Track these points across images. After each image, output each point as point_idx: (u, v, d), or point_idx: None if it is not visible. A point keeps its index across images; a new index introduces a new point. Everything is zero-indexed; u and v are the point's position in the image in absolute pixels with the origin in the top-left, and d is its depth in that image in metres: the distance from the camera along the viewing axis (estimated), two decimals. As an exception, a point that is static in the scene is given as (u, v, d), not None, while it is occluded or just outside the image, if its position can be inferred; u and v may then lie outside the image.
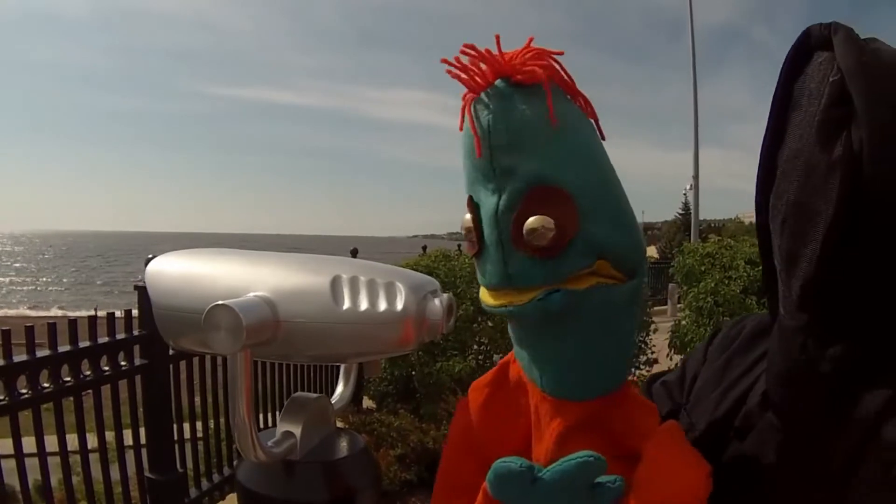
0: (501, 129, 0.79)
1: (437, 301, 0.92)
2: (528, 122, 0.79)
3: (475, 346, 6.49)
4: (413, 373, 6.16)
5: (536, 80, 0.79)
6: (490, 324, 6.39)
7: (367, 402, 7.00)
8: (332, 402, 1.10)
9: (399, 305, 0.89)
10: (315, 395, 1.05)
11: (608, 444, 0.87)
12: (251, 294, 0.89)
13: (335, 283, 0.90)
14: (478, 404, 1.02)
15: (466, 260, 7.24)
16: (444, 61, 0.82)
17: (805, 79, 0.85)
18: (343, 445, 1.02)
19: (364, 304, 0.89)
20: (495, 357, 6.53)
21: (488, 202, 0.83)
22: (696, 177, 26.43)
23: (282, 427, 0.98)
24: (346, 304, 0.89)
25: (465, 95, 0.83)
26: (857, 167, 0.76)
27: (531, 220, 0.79)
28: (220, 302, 0.83)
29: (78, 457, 3.52)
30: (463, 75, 0.81)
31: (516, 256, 0.82)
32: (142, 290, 3.86)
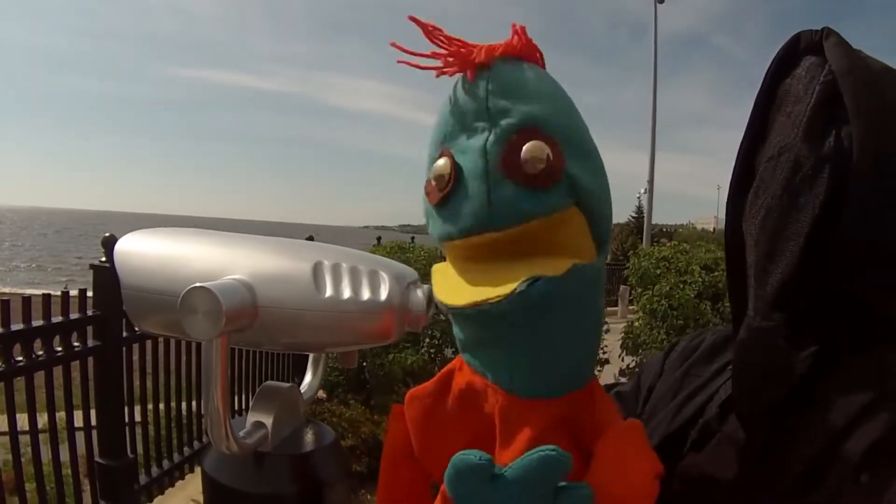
0: (499, 78, 0.78)
1: (419, 292, 0.90)
2: (523, 76, 0.79)
3: (427, 339, 6.48)
4: (364, 363, 6.13)
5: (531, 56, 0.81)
6: (443, 317, 6.38)
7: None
8: (302, 391, 1.07)
9: (383, 295, 0.86)
10: (286, 384, 1.01)
11: (577, 445, 0.84)
12: (229, 277, 0.86)
13: (317, 270, 0.87)
14: (420, 414, 0.95)
15: (421, 252, 7.23)
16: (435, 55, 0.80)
17: (791, 81, 0.87)
18: (314, 437, 0.99)
19: (347, 293, 0.86)
20: (447, 350, 6.55)
21: (475, 140, 0.78)
22: (650, 181, 26.73)
23: (252, 417, 0.95)
24: (328, 292, 0.85)
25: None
26: (846, 163, 0.78)
27: (530, 145, 0.75)
28: (198, 284, 0.79)
29: (27, 437, 3.44)
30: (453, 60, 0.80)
31: (504, 185, 0.76)
32: (98, 270, 3.78)
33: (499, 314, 0.76)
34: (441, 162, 0.80)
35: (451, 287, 0.83)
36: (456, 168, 0.79)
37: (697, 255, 7.11)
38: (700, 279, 6.59)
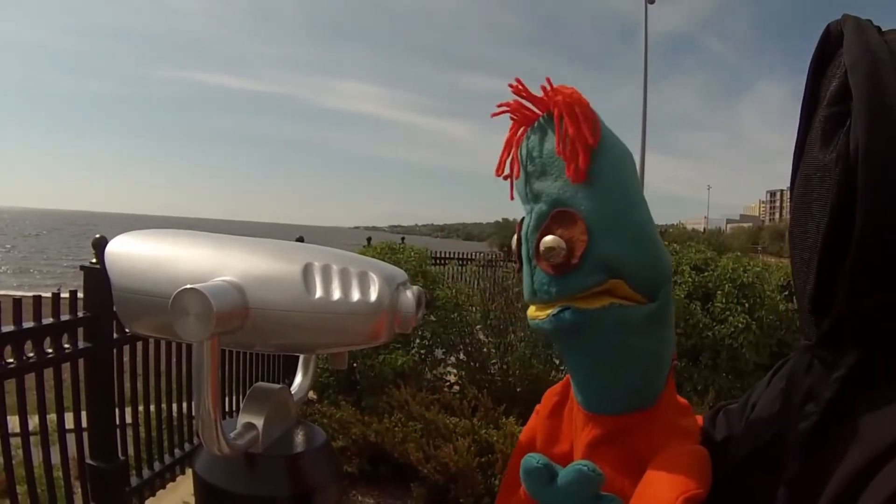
0: (536, 156, 0.87)
1: (409, 293, 0.90)
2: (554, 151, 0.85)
3: (418, 341, 6.48)
4: (355, 365, 6.12)
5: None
6: (433, 318, 6.39)
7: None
8: (292, 392, 1.07)
9: (373, 296, 0.87)
10: (277, 385, 1.01)
11: (633, 461, 0.90)
12: (219, 279, 0.86)
13: (307, 271, 0.87)
14: (545, 409, 1.08)
15: (412, 253, 7.23)
16: (503, 104, 0.90)
17: (825, 80, 0.79)
18: (305, 438, 0.99)
19: (337, 294, 0.86)
20: (437, 352, 6.55)
21: (525, 223, 0.90)
22: (641, 182, 26.78)
23: (243, 418, 0.95)
24: (319, 293, 0.86)
25: (513, 129, 0.91)
26: (853, 167, 0.70)
27: (545, 239, 0.84)
28: (189, 286, 0.79)
29: (18, 440, 3.42)
30: (514, 115, 0.90)
31: (538, 272, 0.87)
32: (88, 271, 3.76)
33: (541, 330, 0.89)
34: (514, 238, 0.94)
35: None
36: (520, 247, 0.92)
37: (687, 256, 7.10)
38: (690, 280, 6.59)
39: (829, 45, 0.79)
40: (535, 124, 0.88)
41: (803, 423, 0.77)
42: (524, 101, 0.88)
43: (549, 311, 0.87)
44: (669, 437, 0.91)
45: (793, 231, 0.82)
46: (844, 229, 0.70)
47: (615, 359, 0.91)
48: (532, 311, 0.91)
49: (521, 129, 0.90)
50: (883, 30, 0.76)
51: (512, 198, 0.95)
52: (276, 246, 0.93)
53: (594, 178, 0.84)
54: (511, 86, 0.88)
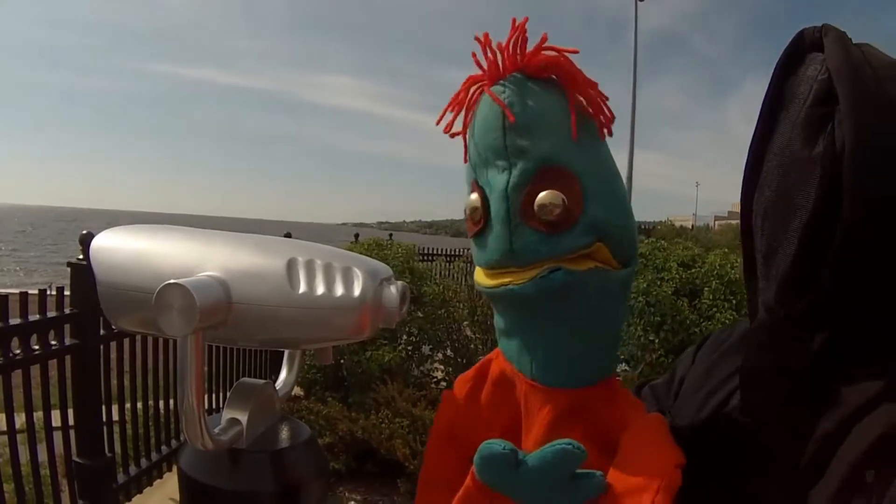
0: (518, 111, 0.83)
1: (392, 288, 0.90)
2: (543, 108, 0.83)
3: (405, 337, 6.48)
4: (342, 361, 6.12)
5: (549, 75, 0.85)
6: (420, 314, 6.40)
7: (295, 390, 6.91)
8: (277, 388, 1.07)
9: (356, 291, 0.87)
10: (261, 381, 1.01)
11: (596, 435, 0.89)
12: (203, 274, 0.86)
13: (291, 266, 0.87)
14: (462, 395, 1.05)
15: (399, 249, 7.23)
16: (478, 39, 0.86)
17: (796, 80, 0.86)
18: (289, 434, 0.99)
19: (320, 289, 0.86)
20: (424, 348, 6.56)
21: (498, 180, 0.85)
22: (629, 178, 26.77)
23: (227, 414, 0.95)
24: (302, 288, 0.86)
25: (469, 84, 0.89)
26: (838, 164, 0.78)
27: (543, 195, 0.81)
28: (172, 280, 0.79)
29: (4, 437, 3.41)
30: (483, 63, 0.86)
31: (523, 231, 0.83)
32: (75, 268, 3.75)
33: (522, 296, 0.85)
34: (472, 197, 0.89)
35: (487, 273, 0.91)
36: (485, 205, 0.87)
37: (675, 252, 7.11)
38: (677, 276, 6.60)
39: (802, 49, 0.88)
40: (509, 79, 0.84)
41: (773, 392, 0.87)
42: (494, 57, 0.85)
43: (531, 274, 0.84)
44: (630, 406, 0.93)
45: (766, 215, 0.89)
46: (827, 218, 0.80)
47: (591, 324, 0.90)
48: (494, 276, 0.89)
49: (478, 87, 0.88)
50: (854, 42, 0.85)
51: (466, 160, 0.92)
52: (259, 241, 0.93)
53: (589, 140, 0.85)
54: (479, 39, 0.86)
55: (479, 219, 0.88)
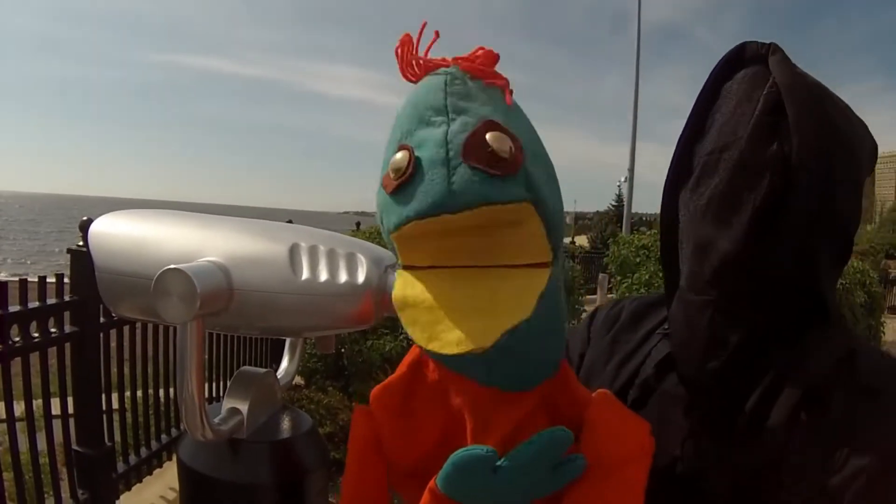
0: (458, 81, 0.79)
1: (397, 275, 0.88)
2: (481, 86, 0.81)
3: (406, 326, 6.47)
4: (343, 350, 6.11)
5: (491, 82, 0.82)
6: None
7: (295, 379, 6.91)
8: (278, 377, 1.05)
9: (360, 278, 0.85)
10: (262, 370, 0.99)
11: (560, 419, 0.85)
12: (204, 259, 0.84)
13: (294, 252, 0.85)
14: (387, 411, 0.94)
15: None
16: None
17: (733, 85, 1.00)
18: (291, 424, 0.97)
19: (324, 276, 0.84)
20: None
21: (435, 132, 0.78)
22: (631, 170, 26.67)
23: (228, 403, 0.93)
24: (305, 275, 0.84)
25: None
26: (786, 167, 0.91)
27: (493, 134, 0.75)
28: (172, 266, 0.77)
29: (3, 426, 3.40)
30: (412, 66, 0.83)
31: (464, 169, 0.75)
32: (75, 254, 3.72)
33: (482, 358, 0.76)
34: (399, 155, 0.79)
35: (429, 322, 0.80)
36: (414, 159, 0.78)
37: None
38: (679, 267, 6.59)
39: (742, 58, 1.00)
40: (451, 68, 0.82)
41: (710, 364, 0.96)
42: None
43: (492, 340, 0.74)
44: (578, 385, 0.92)
45: (708, 206, 0.98)
46: (773, 212, 0.92)
47: (545, 337, 0.83)
48: (447, 337, 0.78)
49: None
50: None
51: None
52: (261, 226, 0.91)
53: (522, 116, 0.83)
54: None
55: (404, 172, 0.78)
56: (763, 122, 0.93)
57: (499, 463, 0.79)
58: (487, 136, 0.75)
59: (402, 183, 0.78)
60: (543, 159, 0.83)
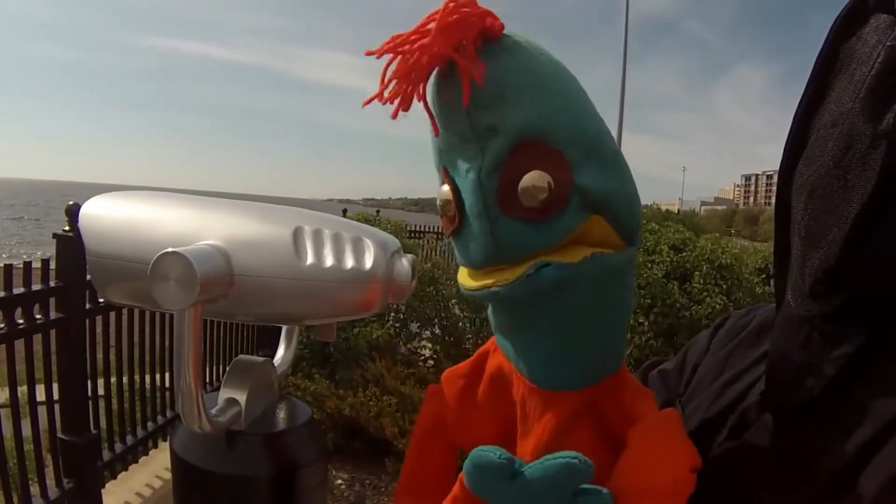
0: (474, 87, 0.68)
1: (404, 261, 0.84)
2: (500, 69, 0.69)
3: (392, 314, 6.49)
4: (329, 337, 6.10)
5: (496, 34, 0.70)
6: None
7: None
8: (275, 365, 1.02)
9: (368, 264, 0.81)
10: (260, 358, 0.95)
11: (605, 431, 0.80)
12: (203, 242, 0.80)
13: (297, 236, 0.81)
14: (452, 395, 0.94)
15: (388, 225, 7.21)
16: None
17: (857, 41, 0.74)
18: (289, 415, 0.94)
19: (329, 261, 0.80)
20: (412, 325, 6.57)
21: (469, 167, 0.73)
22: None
23: (225, 393, 0.89)
24: (310, 260, 0.80)
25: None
26: None
27: (527, 178, 0.69)
28: (170, 249, 0.73)
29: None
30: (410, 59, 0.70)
31: (505, 223, 0.71)
32: (61, 239, 3.67)
33: (508, 298, 0.74)
34: (444, 189, 0.77)
35: (471, 273, 0.80)
36: (458, 198, 0.75)
37: (666, 235, 7.13)
38: (668, 259, 6.62)
39: (864, 8, 0.74)
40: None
41: (798, 397, 0.76)
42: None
43: (519, 272, 0.71)
44: (636, 397, 0.82)
45: (812, 193, 0.75)
46: (885, 204, 0.67)
47: (594, 319, 0.78)
48: (479, 277, 0.77)
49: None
50: None
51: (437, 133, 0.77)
52: (263, 209, 0.87)
53: (558, 98, 0.73)
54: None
55: (454, 215, 0.77)
56: (881, 82, 0.68)
57: (518, 469, 0.73)
58: (523, 180, 0.69)
59: (455, 229, 0.78)
60: (600, 148, 0.74)
